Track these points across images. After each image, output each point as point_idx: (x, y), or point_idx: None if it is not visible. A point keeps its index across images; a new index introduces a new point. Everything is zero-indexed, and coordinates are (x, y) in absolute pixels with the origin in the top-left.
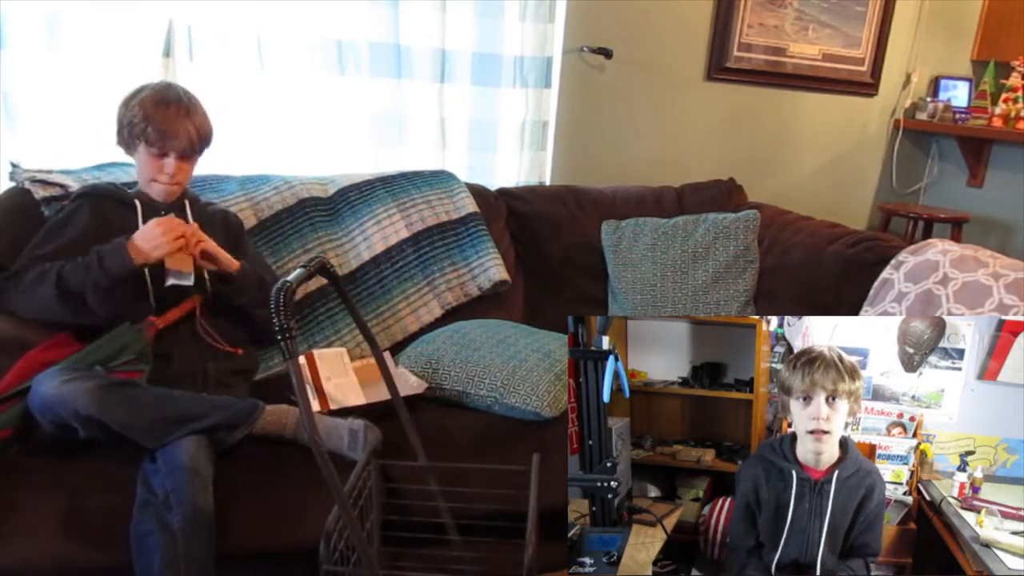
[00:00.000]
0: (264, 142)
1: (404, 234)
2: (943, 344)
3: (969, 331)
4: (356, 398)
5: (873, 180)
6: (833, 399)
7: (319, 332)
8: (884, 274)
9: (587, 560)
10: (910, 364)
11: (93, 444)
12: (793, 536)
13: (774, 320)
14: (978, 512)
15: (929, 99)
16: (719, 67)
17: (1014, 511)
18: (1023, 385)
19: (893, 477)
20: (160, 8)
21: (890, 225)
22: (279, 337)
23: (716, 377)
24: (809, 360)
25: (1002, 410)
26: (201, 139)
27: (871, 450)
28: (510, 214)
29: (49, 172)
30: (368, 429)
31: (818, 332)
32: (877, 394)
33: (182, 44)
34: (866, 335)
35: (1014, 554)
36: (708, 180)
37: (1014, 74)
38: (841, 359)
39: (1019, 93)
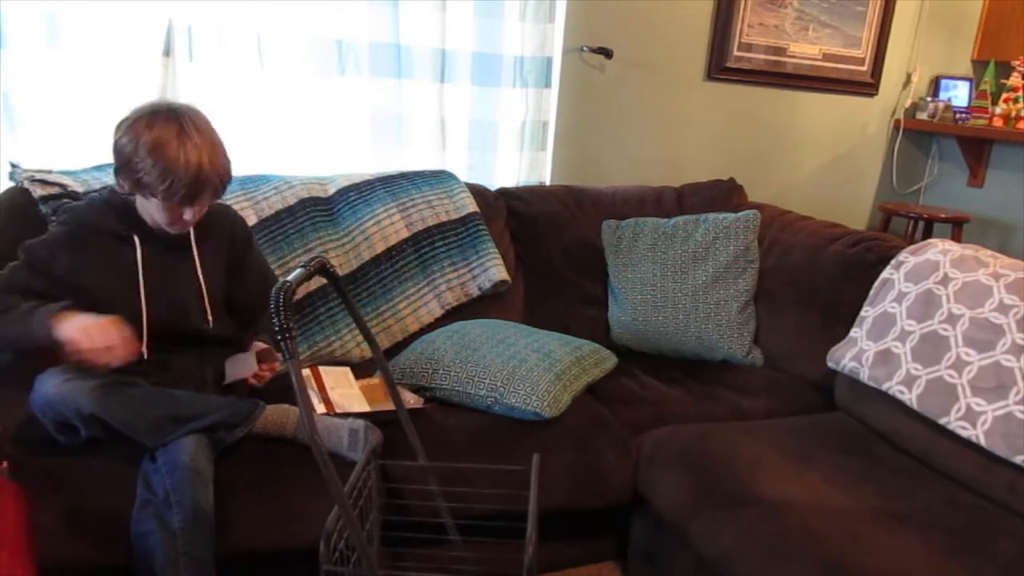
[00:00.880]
0: (264, 142)
1: (404, 234)
2: None
3: None
4: (360, 406)
5: (873, 180)
6: None
7: (319, 332)
8: (884, 274)
9: None
10: None
11: (93, 444)
12: None
13: None
14: None
15: (929, 99)
16: (719, 67)
17: None
18: None
19: None
20: (160, 8)
21: (890, 225)
22: (279, 337)
23: None
24: None
25: None
26: (224, 182)
27: None
28: (510, 214)
29: (49, 172)
30: (368, 429)
31: None
32: None
33: (182, 44)
34: None
35: None
36: (708, 180)
37: (1014, 74)
38: None
39: (1019, 93)
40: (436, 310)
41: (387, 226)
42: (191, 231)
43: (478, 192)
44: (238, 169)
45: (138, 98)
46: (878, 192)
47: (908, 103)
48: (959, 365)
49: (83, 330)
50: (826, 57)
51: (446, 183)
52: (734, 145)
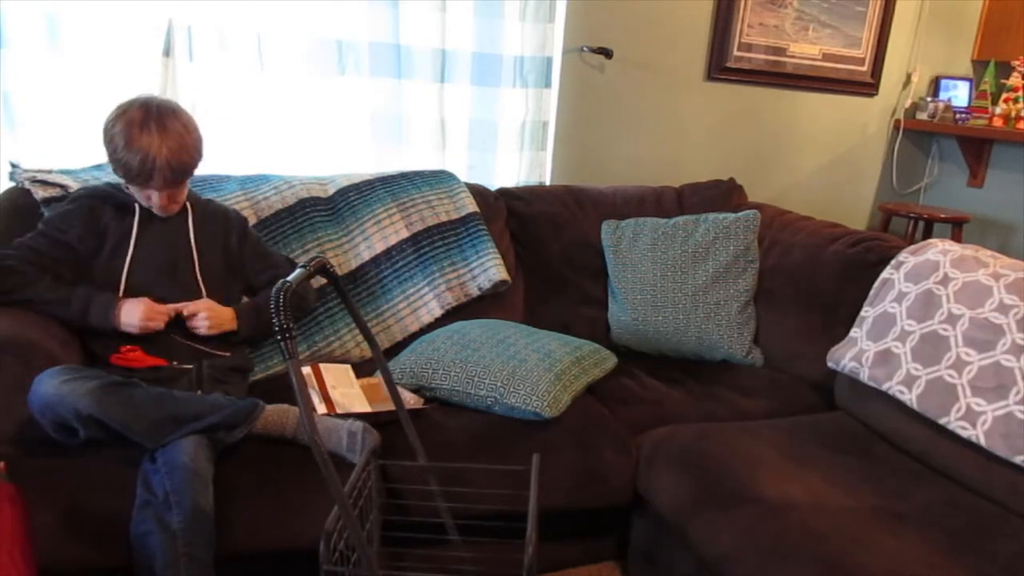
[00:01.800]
0: (264, 142)
1: (404, 234)
2: None
3: None
4: (361, 406)
5: (873, 180)
6: None
7: (319, 332)
8: (884, 274)
9: None
10: None
11: (92, 444)
12: None
13: None
14: None
15: (929, 99)
16: (719, 67)
17: None
18: None
19: None
20: (160, 8)
21: (890, 225)
22: (279, 337)
23: None
24: None
25: None
26: (180, 171)
27: None
28: (510, 214)
29: (49, 172)
30: (367, 431)
31: None
32: None
33: (182, 44)
34: None
35: None
36: (708, 180)
37: (1014, 74)
38: None
39: (1019, 93)
40: (436, 310)
41: (387, 226)
42: (189, 215)
43: (478, 192)
44: (238, 169)
45: None
46: (878, 192)
47: (908, 103)
48: (959, 365)
49: (128, 316)
50: (826, 57)
51: (446, 183)
52: (734, 145)
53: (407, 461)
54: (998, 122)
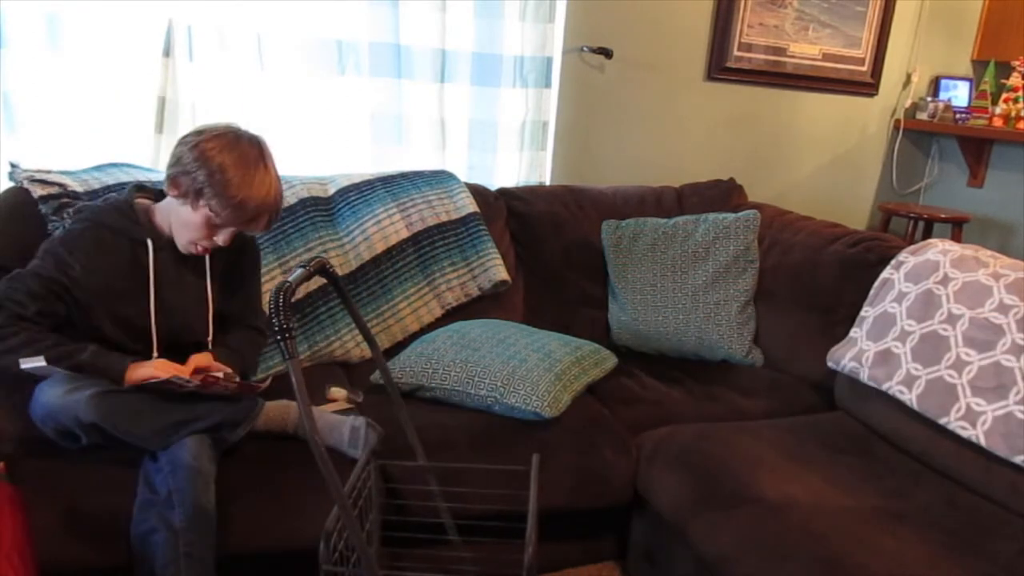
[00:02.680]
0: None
1: (404, 234)
2: None
3: None
4: None
5: (873, 180)
6: None
7: (319, 332)
8: (884, 274)
9: None
10: None
11: (95, 447)
12: None
13: None
14: None
15: (929, 99)
16: (719, 67)
17: None
18: None
19: None
20: (160, 8)
21: (890, 225)
22: (279, 337)
23: None
24: None
25: None
26: (278, 216)
27: None
28: (510, 214)
29: (48, 172)
30: (370, 427)
31: None
32: None
33: (182, 44)
34: None
35: None
36: (708, 180)
37: (1014, 74)
38: None
39: (1019, 93)
40: (436, 310)
41: (387, 226)
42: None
43: (478, 192)
44: None
45: (138, 98)
46: (878, 192)
47: (908, 103)
48: (959, 365)
49: (140, 375)
50: (826, 57)
51: (446, 183)
52: (734, 145)
53: (407, 461)
54: (998, 122)
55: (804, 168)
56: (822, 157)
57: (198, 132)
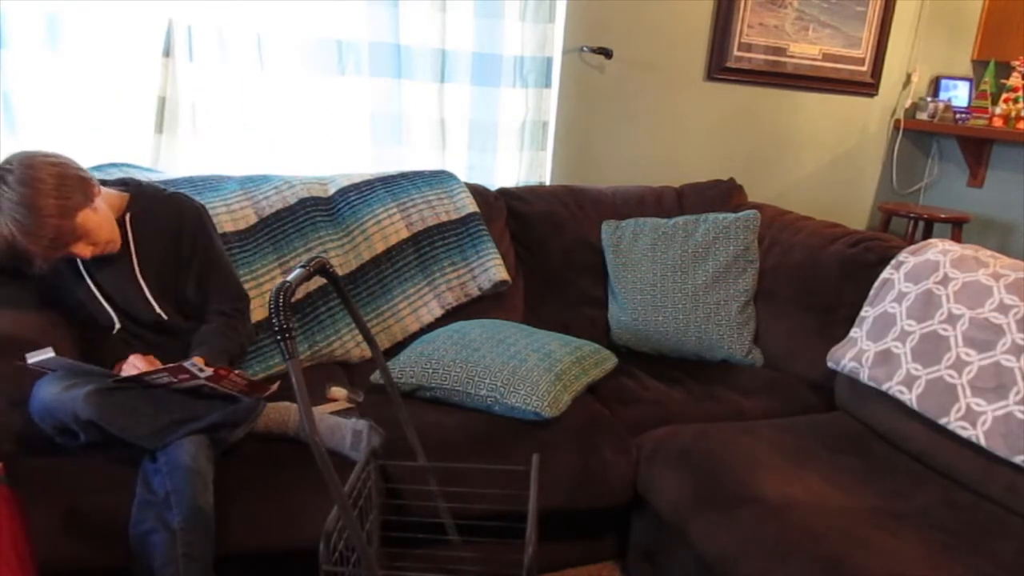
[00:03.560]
0: (264, 142)
1: (404, 234)
2: None
3: None
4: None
5: (873, 180)
6: None
7: (319, 332)
8: (884, 274)
9: None
10: None
11: (93, 445)
12: None
13: None
14: None
15: (929, 99)
16: (719, 67)
17: None
18: None
19: None
20: (160, 8)
21: (890, 225)
22: (279, 337)
23: None
24: None
25: None
26: (54, 238)
27: None
28: (510, 214)
29: None
30: (372, 430)
31: None
32: None
33: (182, 44)
34: None
35: None
36: (708, 180)
37: (1014, 74)
38: None
39: (1019, 93)
40: (436, 310)
41: (387, 226)
42: (128, 230)
43: (478, 192)
44: (238, 169)
45: (138, 98)
46: (878, 192)
47: (908, 103)
48: (959, 365)
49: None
50: (826, 57)
51: (446, 183)
52: (734, 145)
53: (407, 461)
54: (998, 122)
55: (804, 168)
56: (822, 157)
57: None
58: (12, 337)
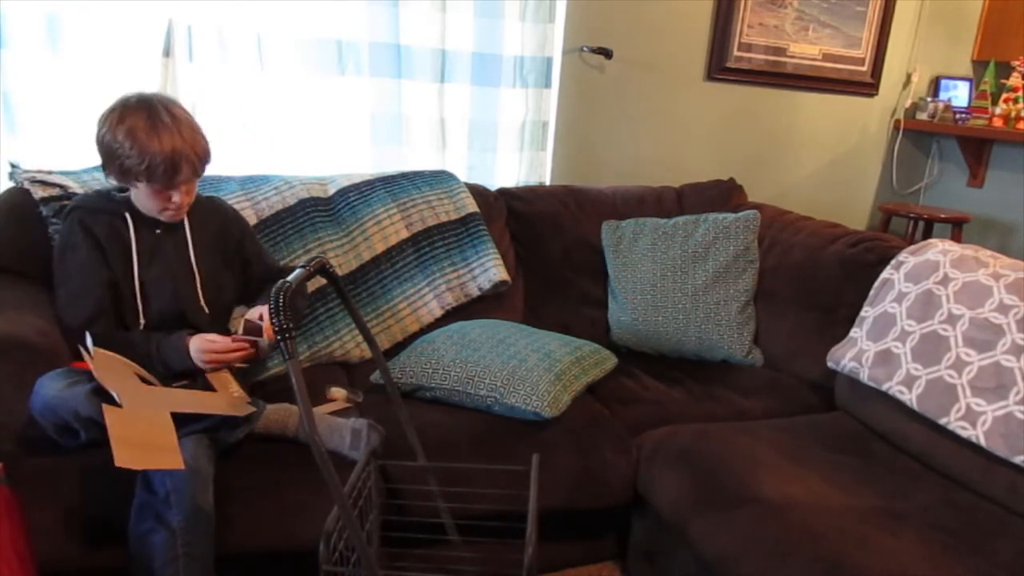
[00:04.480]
0: (264, 142)
1: (404, 234)
2: None
3: None
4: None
5: (873, 180)
6: None
7: (319, 332)
8: (884, 274)
9: None
10: None
11: (93, 444)
12: None
13: None
14: None
15: (929, 99)
16: (719, 67)
17: None
18: None
19: None
20: (160, 8)
21: (890, 225)
22: (279, 337)
23: None
24: None
25: None
26: (202, 160)
27: None
28: (510, 214)
29: (49, 173)
30: (371, 429)
31: None
32: None
33: (182, 44)
34: None
35: None
36: (708, 180)
37: (1014, 74)
38: None
39: (1019, 93)
40: (436, 310)
41: (387, 226)
42: (185, 219)
43: (478, 192)
44: (238, 169)
45: None
46: (878, 192)
47: (908, 103)
48: (959, 365)
49: (194, 352)
50: (826, 57)
51: (446, 183)
52: (734, 145)
53: (407, 461)
54: (998, 122)
55: (804, 168)
56: (822, 157)
57: (100, 116)
58: (12, 337)
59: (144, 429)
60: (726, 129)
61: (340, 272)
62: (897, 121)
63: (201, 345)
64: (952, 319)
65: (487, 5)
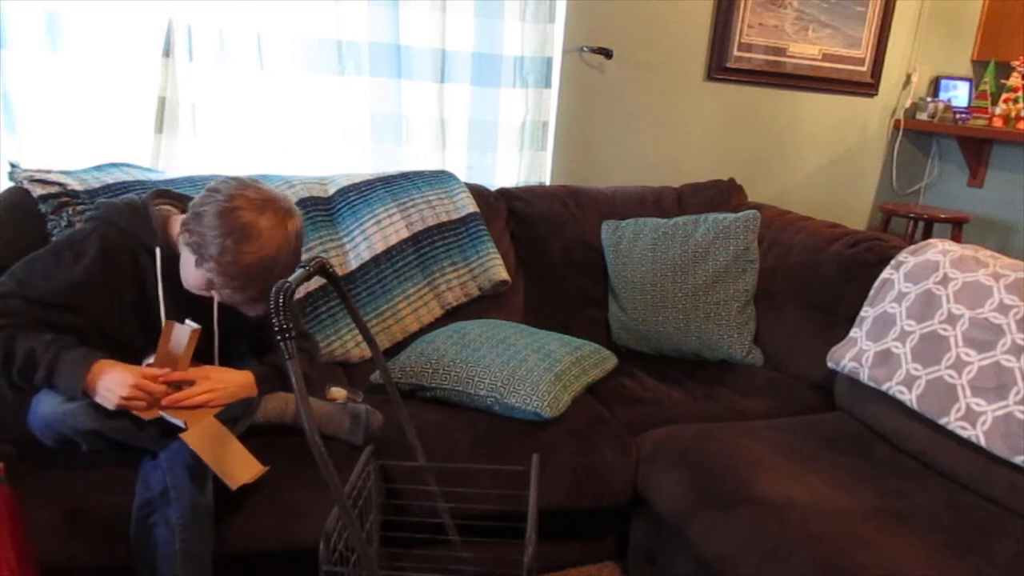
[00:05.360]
0: (264, 142)
1: (404, 234)
2: None
3: None
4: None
5: (873, 180)
6: None
7: (319, 332)
8: (884, 274)
9: None
10: None
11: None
12: None
13: None
14: None
15: (929, 99)
16: (719, 67)
17: None
18: None
19: None
20: (160, 8)
21: (890, 225)
22: (279, 337)
23: None
24: None
25: None
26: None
27: None
28: (510, 214)
29: (48, 172)
30: (370, 413)
31: None
32: None
33: (182, 44)
34: None
35: None
36: (708, 180)
37: (1014, 74)
38: None
39: (1019, 93)
40: (436, 310)
41: (387, 226)
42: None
43: (478, 192)
44: (238, 169)
45: (138, 98)
46: (878, 192)
47: (908, 103)
48: (959, 365)
49: (105, 386)
50: (826, 57)
51: (446, 183)
52: (734, 145)
53: (407, 461)
54: (998, 122)
55: (804, 168)
56: (822, 157)
57: (231, 195)
58: None
59: (219, 449)
60: (726, 129)
61: (340, 272)
62: (897, 121)
63: (131, 390)
64: (952, 319)
65: (487, 5)
